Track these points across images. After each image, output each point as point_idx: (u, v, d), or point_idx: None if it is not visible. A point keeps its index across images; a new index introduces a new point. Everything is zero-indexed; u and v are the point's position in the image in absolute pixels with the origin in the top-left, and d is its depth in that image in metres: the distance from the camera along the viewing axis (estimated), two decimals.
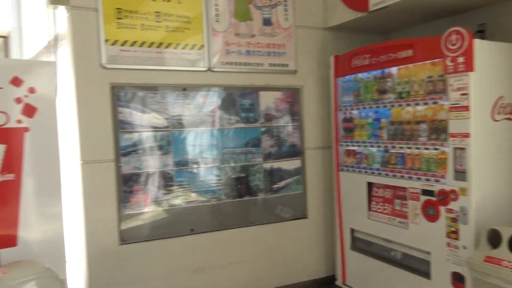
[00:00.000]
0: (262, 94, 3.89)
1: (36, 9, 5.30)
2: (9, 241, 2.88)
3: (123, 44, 3.32)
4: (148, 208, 3.45)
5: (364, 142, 3.67)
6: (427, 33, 3.66)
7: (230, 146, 3.76)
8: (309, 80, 4.09)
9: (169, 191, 3.53)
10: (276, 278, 3.97)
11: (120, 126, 3.33)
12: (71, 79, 3.23)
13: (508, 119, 2.93)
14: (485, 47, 2.83)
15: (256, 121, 3.86)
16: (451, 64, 2.83)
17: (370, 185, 3.62)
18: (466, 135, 2.78)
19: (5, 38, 6.32)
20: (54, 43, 4.40)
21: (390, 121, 3.43)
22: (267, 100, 3.92)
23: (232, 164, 3.77)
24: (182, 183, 3.58)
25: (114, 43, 3.29)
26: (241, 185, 3.82)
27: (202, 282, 3.65)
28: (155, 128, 3.47)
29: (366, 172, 3.63)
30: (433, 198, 3.02)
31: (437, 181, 3.01)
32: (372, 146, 3.60)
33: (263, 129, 3.90)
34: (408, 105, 3.25)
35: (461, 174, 2.82)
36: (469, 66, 2.74)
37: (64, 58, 3.48)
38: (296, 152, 4.06)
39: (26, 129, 2.92)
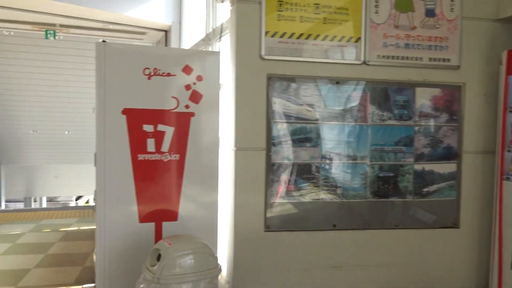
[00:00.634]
0: (418, 90, 3.64)
1: (197, 4, 5.70)
2: (171, 215, 3.15)
3: (282, 36, 3.38)
4: (292, 198, 3.48)
5: None
6: None
7: (380, 143, 3.60)
8: (473, 76, 3.71)
9: (314, 184, 3.51)
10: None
11: (273, 116, 3.41)
12: (231, 68, 3.39)
13: None
14: None
15: (410, 119, 3.63)
16: None
17: None
18: None
19: (166, 32, 6.97)
20: (212, 36, 4.68)
21: None
22: (424, 97, 3.66)
23: (380, 162, 3.61)
24: (328, 178, 3.53)
25: (273, 35, 3.36)
26: (388, 185, 3.64)
27: (340, 280, 3.58)
28: (306, 120, 3.48)
29: None
30: None
31: None
32: None
33: (416, 128, 3.65)
34: None
35: None
36: None
37: (226, 48, 3.66)
38: (452, 155, 3.73)
39: (192, 114, 3.15)
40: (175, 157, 3.11)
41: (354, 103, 3.55)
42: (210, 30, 4.81)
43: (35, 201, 23.77)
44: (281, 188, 3.46)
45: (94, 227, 6.37)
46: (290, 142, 3.45)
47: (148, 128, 3.04)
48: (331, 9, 3.44)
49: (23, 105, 10.53)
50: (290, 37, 3.40)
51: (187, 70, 3.11)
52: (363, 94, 3.56)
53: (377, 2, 3.51)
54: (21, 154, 13.18)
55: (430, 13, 3.60)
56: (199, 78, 3.15)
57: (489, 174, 3.72)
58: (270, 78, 3.40)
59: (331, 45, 3.46)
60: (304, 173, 3.49)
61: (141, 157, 3.03)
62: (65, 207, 9.16)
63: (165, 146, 3.09)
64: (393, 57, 3.56)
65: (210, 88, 3.19)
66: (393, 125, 3.61)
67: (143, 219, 3.07)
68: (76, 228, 6.21)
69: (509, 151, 3.48)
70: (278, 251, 3.46)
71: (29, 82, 9.76)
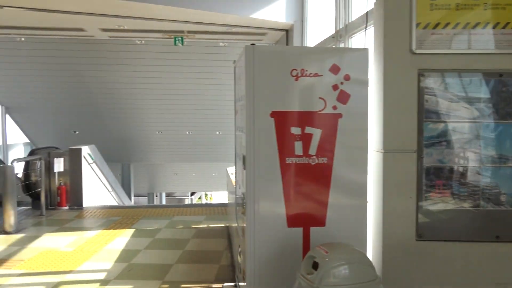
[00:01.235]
0: None
1: (321, 1, 5.56)
2: (318, 220, 3.04)
3: (435, 27, 3.07)
4: (447, 205, 3.16)
5: None
6: None
7: None
8: None
9: (473, 190, 3.15)
10: None
11: (425, 115, 3.12)
12: (378, 65, 3.17)
13: None
14: None
15: None
16: None
17: None
18: None
19: (287, 31, 6.94)
20: (344, 32, 4.49)
21: None
22: None
23: None
24: (489, 182, 3.15)
25: (425, 26, 3.07)
26: None
27: None
28: (462, 119, 3.13)
29: None
30: None
31: None
32: None
33: None
34: None
35: None
36: None
37: (370, 43, 3.45)
38: None
39: (339, 115, 3.01)
40: (323, 160, 3.00)
41: None
42: (341, 26, 4.63)
43: (156, 196, 25.70)
44: (435, 194, 3.16)
45: (222, 225, 6.61)
46: (444, 143, 3.13)
47: (295, 130, 2.97)
48: None
49: (151, 108, 11.36)
50: (444, 27, 3.08)
51: (334, 69, 2.98)
52: None
53: None
54: (147, 153, 14.31)
55: None
56: (347, 77, 2.99)
57: None
58: (422, 74, 3.11)
59: (494, 33, 3.07)
60: (461, 177, 3.15)
61: (289, 160, 2.97)
62: (193, 205, 9.70)
63: (313, 149, 2.99)
64: None
65: (358, 87, 3.02)
66: None
67: (291, 223, 3.01)
68: (205, 226, 6.47)
69: None
70: (431, 262, 3.17)
71: (156, 86, 10.48)
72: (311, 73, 2.96)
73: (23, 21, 6.55)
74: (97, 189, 8.78)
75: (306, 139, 2.98)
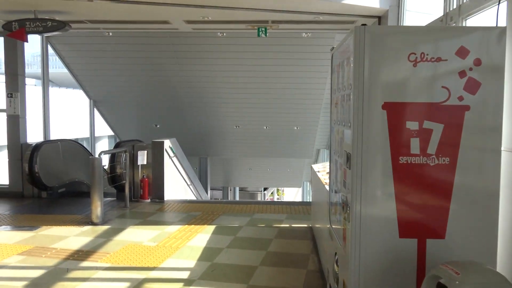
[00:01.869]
0: None
1: None
2: (436, 231, 2.58)
3: None
4: None
5: None
6: None
7: None
8: None
9: None
10: None
11: None
12: None
13: None
14: None
15: None
16: None
17: None
18: None
19: (379, 18, 6.39)
20: (458, 13, 3.92)
21: None
22: None
23: None
24: None
25: None
26: None
27: None
28: None
29: None
30: None
31: None
32: None
33: None
34: None
35: None
36: None
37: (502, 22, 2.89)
38: None
39: (466, 108, 2.52)
40: (445, 160, 2.53)
41: None
42: (453, 7, 4.05)
43: (230, 190, 25.95)
44: None
45: (305, 225, 6.27)
46: None
47: (412, 125, 2.53)
48: None
49: (230, 102, 11.28)
50: None
51: (462, 52, 2.49)
52: None
53: None
54: (224, 148, 14.34)
55: None
56: (477, 62, 2.49)
57: None
58: None
59: None
60: None
61: (403, 159, 2.54)
62: (273, 202, 9.41)
63: (432, 147, 2.53)
64: None
65: (491, 74, 2.51)
66: None
67: (404, 233, 2.58)
68: (288, 225, 6.16)
69: None
70: None
71: (236, 80, 10.35)
72: (432, 58, 2.50)
73: (111, 14, 6.65)
74: (178, 182, 8.83)
75: (424, 135, 2.53)
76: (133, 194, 7.80)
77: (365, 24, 2.59)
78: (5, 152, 8.23)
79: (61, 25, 6.42)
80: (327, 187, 4.19)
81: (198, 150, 14.13)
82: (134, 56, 9.82)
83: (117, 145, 8.21)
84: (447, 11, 4.14)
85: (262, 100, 10.98)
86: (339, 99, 3.17)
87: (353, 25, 6.98)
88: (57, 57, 10.60)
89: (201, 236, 5.57)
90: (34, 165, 7.46)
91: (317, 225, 5.46)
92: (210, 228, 5.94)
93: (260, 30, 7.05)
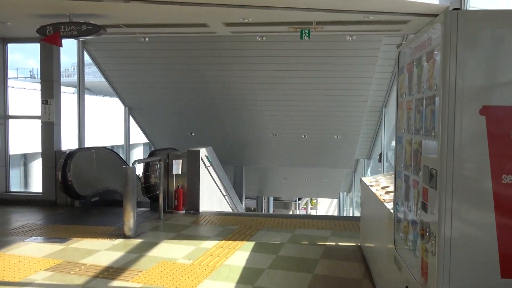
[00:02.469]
0: None
1: None
2: None
3: None
4: None
5: None
6: None
7: None
8: None
9: None
10: None
11: None
12: None
13: None
14: None
15: None
16: None
17: None
18: None
19: (435, 17, 5.82)
20: None
21: None
22: None
23: None
24: None
25: None
26: None
27: None
28: None
29: None
30: None
31: None
32: None
33: None
34: None
35: None
36: None
37: None
38: None
39: None
40: None
41: None
42: None
43: (264, 199, 25.45)
44: None
45: (353, 244, 5.72)
46: None
47: None
48: None
49: (268, 110, 10.84)
50: None
51: None
52: None
53: None
54: (259, 157, 13.89)
55: None
56: None
57: None
58: None
59: None
60: None
61: (507, 179, 2.00)
62: (314, 216, 8.79)
63: None
64: None
65: None
66: None
67: (507, 272, 2.03)
68: (334, 244, 5.62)
69: None
70: None
71: (274, 87, 9.92)
72: None
73: (147, 18, 6.36)
74: (213, 193, 8.44)
75: None
76: (167, 204, 7.45)
77: (457, 8, 2.08)
78: (40, 160, 8.09)
79: (96, 29, 6.16)
80: (387, 205, 3.66)
81: (233, 159, 13.75)
82: (169, 63, 9.55)
83: (151, 154, 7.91)
84: None
85: (301, 108, 10.48)
86: (412, 104, 2.66)
87: (406, 25, 6.43)
88: (95, 67, 10.53)
89: (239, 253, 5.12)
90: (67, 173, 7.24)
91: (368, 244, 4.91)
92: (249, 245, 5.48)
93: (303, 32, 6.59)
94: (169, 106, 11.32)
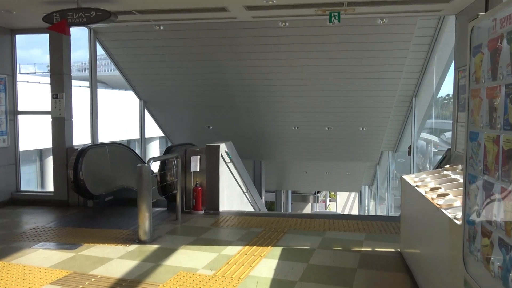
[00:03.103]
0: None
1: None
2: None
3: None
4: None
5: None
6: None
7: None
8: None
9: None
10: None
11: None
12: None
13: None
14: None
15: None
16: None
17: None
18: None
19: None
20: None
21: None
22: None
23: None
24: None
25: None
26: None
27: None
28: None
29: None
30: None
31: None
32: None
33: None
34: None
35: None
36: None
37: None
38: None
39: None
40: None
41: None
42: None
43: (283, 192, 24.92)
44: None
45: (392, 249, 5.14)
46: None
47: None
48: None
49: (289, 101, 10.25)
50: None
51: None
52: None
53: None
54: (280, 150, 13.31)
55: None
56: None
57: None
58: None
59: None
60: None
61: None
62: (344, 216, 8.16)
63: None
64: None
65: None
66: None
67: None
68: (370, 249, 5.04)
69: None
70: None
71: (297, 76, 9.31)
72: None
73: (161, 2, 5.83)
74: (234, 191, 7.92)
75: None
76: (185, 204, 6.97)
77: None
78: (51, 157, 7.67)
79: (106, 15, 5.65)
80: (446, 212, 3.08)
81: (253, 152, 13.22)
82: (185, 52, 9.01)
83: (167, 150, 7.40)
84: None
85: (325, 98, 9.86)
86: (499, 91, 2.06)
87: (448, 4, 5.75)
88: (109, 60, 10.07)
89: (266, 262, 4.59)
90: (79, 171, 6.80)
91: (412, 251, 4.34)
92: (276, 251, 4.94)
93: (332, 15, 5.97)
94: (185, 98, 10.82)
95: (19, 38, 7.77)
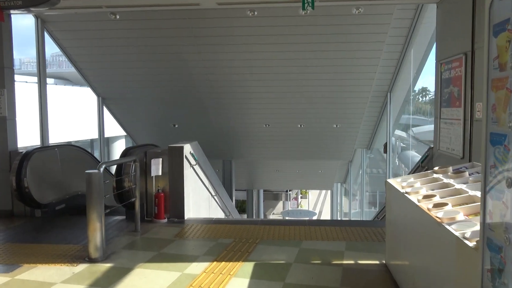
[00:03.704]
0: None
1: None
2: None
3: None
4: None
5: None
6: None
7: None
8: None
9: None
10: None
11: None
12: None
13: None
14: None
15: None
16: None
17: None
18: None
19: None
20: None
21: None
22: None
23: None
24: None
25: None
26: None
27: None
28: None
29: None
30: None
31: None
32: None
33: None
34: None
35: None
36: None
37: None
38: None
39: None
40: None
41: None
42: None
43: (254, 190, 24.35)
44: None
45: (376, 261, 4.63)
46: None
47: None
48: None
49: (259, 97, 9.68)
50: None
51: None
52: None
53: None
54: (251, 149, 12.72)
55: None
56: None
57: None
58: None
59: None
60: None
61: None
62: (321, 222, 7.49)
63: None
64: None
65: None
66: None
67: None
68: (352, 262, 4.51)
69: None
70: None
71: (266, 71, 8.73)
72: None
73: None
74: (200, 195, 7.28)
75: None
76: (146, 212, 6.29)
77: None
78: None
79: None
80: (450, 229, 2.56)
81: (222, 152, 12.58)
82: (145, 45, 8.27)
83: (125, 153, 6.67)
84: None
85: (298, 94, 9.33)
86: None
87: None
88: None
89: (236, 282, 3.98)
90: (23, 178, 6.00)
91: (400, 263, 3.84)
92: (248, 267, 4.35)
93: (305, 1, 5.40)
94: (147, 95, 10.06)
95: None
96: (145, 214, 6.27)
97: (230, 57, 8.42)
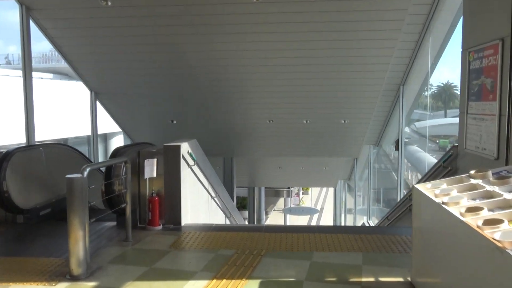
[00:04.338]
0: None
1: None
2: None
3: None
4: None
5: None
6: None
7: None
8: None
9: None
10: None
11: None
12: None
13: None
14: None
15: None
16: None
17: None
18: None
19: None
20: None
21: None
22: None
23: None
24: None
25: None
26: None
27: None
28: None
29: None
30: None
31: None
32: None
33: None
34: None
35: None
36: None
37: None
38: None
39: None
40: None
41: None
42: None
43: (255, 188, 23.78)
44: None
45: (400, 279, 4.03)
46: None
47: None
48: None
49: (264, 91, 9.06)
50: None
51: None
52: None
53: None
54: (253, 147, 12.09)
55: None
56: None
57: None
58: None
59: None
60: None
61: None
62: (333, 228, 6.74)
63: None
64: None
65: None
66: None
67: None
68: (373, 279, 3.91)
69: None
70: None
71: (269, 63, 8.12)
72: None
73: None
74: (199, 198, 6.70)
75: None
76: (139, 217, 5.71)
77: None
78: None
79: None
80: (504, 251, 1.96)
81: (223, 149, 11.98)
82: (140, 34, 7.63)
83: (114, 154, 6.05)
84: None
85: (304, 87, 8.70)
86: None
87: None
88: None
89: None
90: (2, 181, 5.41)
91: (430, 281, 3.25)
92: (252, 286, 3.76)
93: None
94: (143, 89, 9.43)
95: None
96: (137, 221, 5.70)
97: (232, 47, 7.79)
